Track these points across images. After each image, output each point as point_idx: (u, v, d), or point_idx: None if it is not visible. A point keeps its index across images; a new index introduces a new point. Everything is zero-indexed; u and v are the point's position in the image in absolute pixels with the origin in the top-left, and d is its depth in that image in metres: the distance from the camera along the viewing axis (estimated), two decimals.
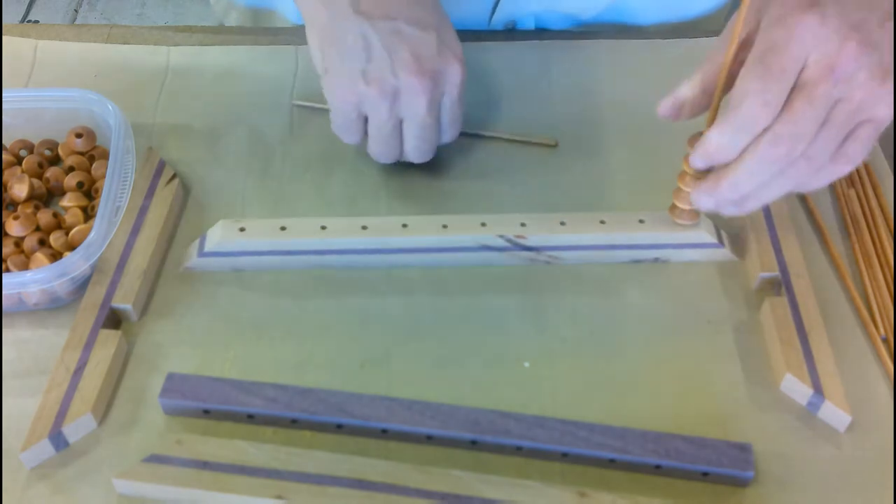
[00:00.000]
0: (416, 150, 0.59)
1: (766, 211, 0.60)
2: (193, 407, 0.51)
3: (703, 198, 0.51)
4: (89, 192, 0.61)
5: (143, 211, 0.59)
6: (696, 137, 0.52)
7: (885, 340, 0.56)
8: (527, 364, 0.54)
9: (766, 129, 0.46)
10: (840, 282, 0.59)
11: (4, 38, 0.72)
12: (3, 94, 0.62)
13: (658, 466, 0.49)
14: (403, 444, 0.51)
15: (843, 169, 0.48)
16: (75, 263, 0.54)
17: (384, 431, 0.50)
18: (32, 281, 0.52)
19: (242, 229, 0.58)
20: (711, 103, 0.51)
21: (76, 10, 2.13)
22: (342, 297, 0.57)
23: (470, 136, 0.66)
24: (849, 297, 0.58)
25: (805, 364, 0.52)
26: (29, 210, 0.59)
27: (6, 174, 0.61)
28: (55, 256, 0.56)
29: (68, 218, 0.59)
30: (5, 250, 0.57)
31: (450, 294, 0.58)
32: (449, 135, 0.60)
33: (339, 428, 0.51)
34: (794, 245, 0.59)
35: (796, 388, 0.52)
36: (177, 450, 0.48)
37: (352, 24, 0.55)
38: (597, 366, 0.54)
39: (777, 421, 0.52)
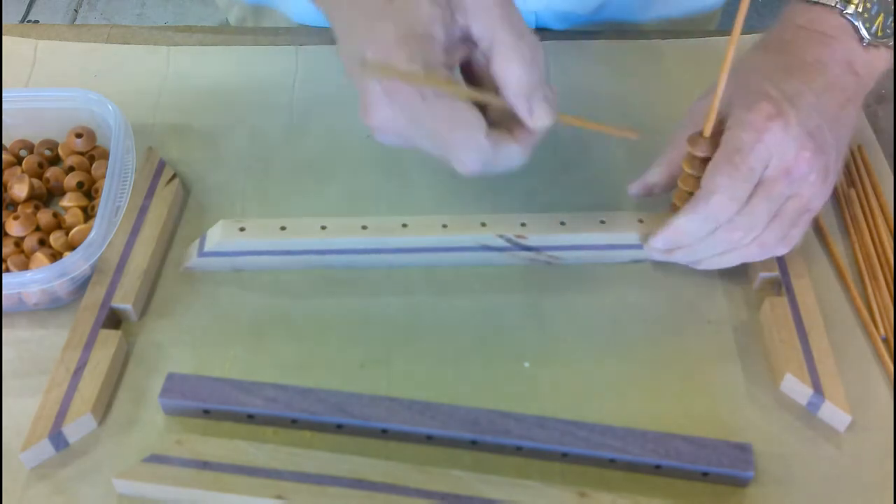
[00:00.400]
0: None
1: None
2: (193, 407, 0.51)
3: (657, 254, 0.56)
4: (89, 192, 0.61)
5: (143, 211, 0.59)
6: (695, 137, 0.53)
7: (885, 340, 0.56)
8: (527, 364, 0.54)
9: None
10: (840, 282, 0.59)
11: (4, 38, 0.72)
12: (3, 94, 0.62)
13: (658, 466, 0.49)
14: (403, 444, 0.51)
15: (785, 250, 0.54)
16: (75, 263, 0.53)
17: (384, 431, 0.50)
18: (32, 281, 0.52)
19: (242, 229, 0.58)
20: (676, 174, 0.55)
21: (76, 10, 2.13)
22: (342, 297, 0.57)
23: None
24: (849, 297, 0.58)
25: (805, 364, 0.52)
26: (29, 210, 0.59)
27: (6, 174, 0.61)
28: (55, 256, 0.56)
29: (68, 218, 0.59)
30: (5, 250, 0.57)
31: (450, 294, 0.58)
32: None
33: (339, 428, 0.51)
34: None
35: (796, 388, 0.52)
36: (177, 450, 0.48)
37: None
38: (597, 365, 0.54)
39: (777, 421, 0.52)
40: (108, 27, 0.75)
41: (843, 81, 0.53)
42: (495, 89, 0.47)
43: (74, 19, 2.10)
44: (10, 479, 0.49)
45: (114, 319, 0.55)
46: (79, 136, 0.63)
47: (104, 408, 0.52)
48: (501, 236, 0.58)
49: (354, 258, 0.58)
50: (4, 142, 0.63)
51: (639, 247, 0.58)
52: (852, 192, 0.63)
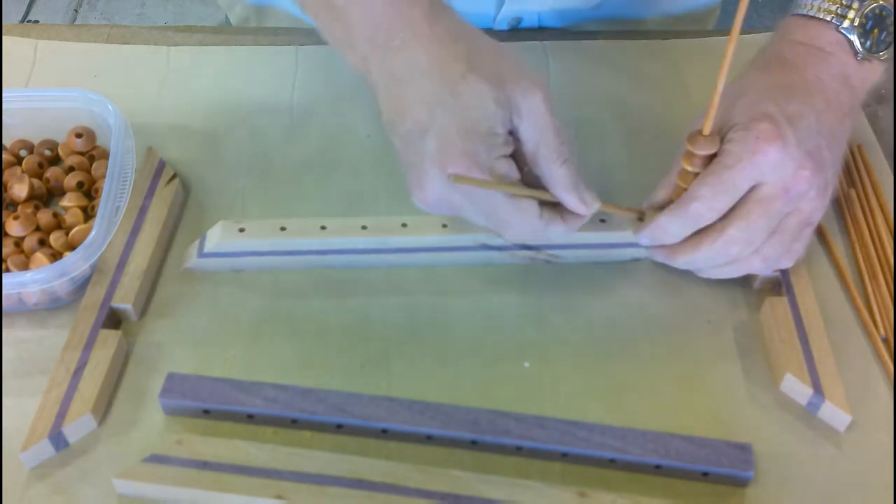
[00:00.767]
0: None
1: None
2: (193, 407, 0.51)
3: (659, 257, 0.57)
4: (89, 192, 0.61)
5: (143, 211, 0.59)
6: (694, 136, 0.53)
7: (885, 340, 0.56)
8: (527, 364, 0.54)
9: (722, 232, 0.53)
10: (840, 282, 0.59)
11: (4, 38, 0.72)
12: (3, 94, 0.62)
13: (658, 466, 0.49)
14: (403, 444, 0.51)
15: (789, 264, 0.56)
16: (75, 263, 0.53)
17: (384, 431, 0.50)
18: (32, 281, 0.52)
19: (242, 230, 0.58)
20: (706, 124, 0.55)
21: (76, 10, 2.13)
22: (342, 297, 0.57)
23: None
24: (849, 297, 0.58)
25: (805, 364, 0.52)
26: (29, 210, 0.59)
27: (6, 174, 0.61)
28: (55, 256, 0.56)
29: (68, 218, 0.59)
30: (5, 250, 0.57)
31: (450, 294, 0.58)
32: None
33: (339, 428, 0.51)
34: None
35: (796, 388, 0.52)
36: (177, 450, 0.48)
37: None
38: (597, 365, 0.54)
39: (777, 421, 0.52)
40: (108, 27, 0.75)
41: (841, 97, 0.55)
42: (538, 180, 0.52)
43: (74, 19, 2.11)
44: (10, 479, 0.49)
45: (114, 319, 0.55)
46: (79, 136, 0.63)
47: (104, 408, 0.52)
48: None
49: (354, 258, 0.58)
50: (4, 142, 0.63)
51: (639, 246, 0.58)
52: (852, 192, 0.63)
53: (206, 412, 0.51)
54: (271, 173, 0.64)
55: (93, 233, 0.54)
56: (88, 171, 0.62)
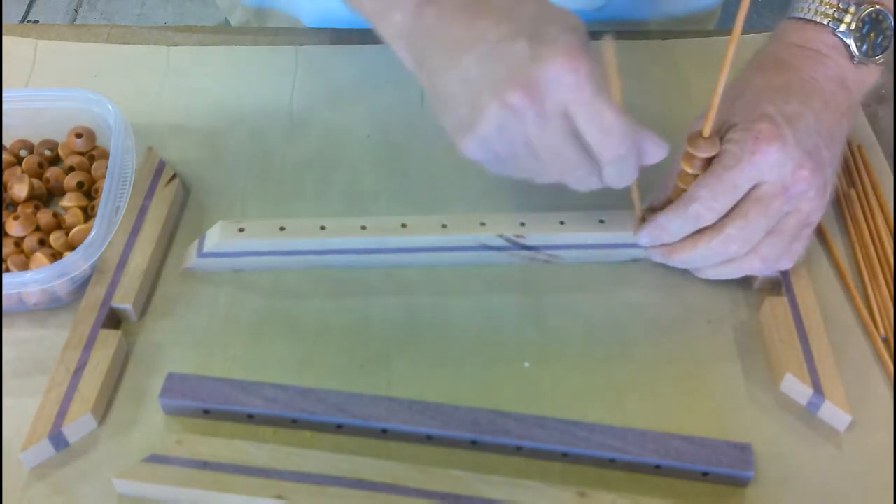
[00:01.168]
0: (571, 177, 0.52)
1: None
2: (193, 407, 0.51)
3: (657, 257, 0.57)
4: (89, 192, 0.61)
5: (143, 211, 0.59)
6: (694, 136, 0.53)
7: (885, 340, 0.56)
8: (527, 364, 0.54)
9: (721, 231, 0.53)
10: (840, 282, 0.59)
11: (4, 38, 0.72)
12: (3, 94, 0.62)
13: (658, 466, 0.49)
14: (403, 444, 0.51)
15: (788, 265, 0.56)
16: (75, 263, 0.53)
17: (384, 431, 0.50)
18: (32, 281, 0.52)
19: (242, 230, 0.58)
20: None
21: (76, 10, 2.13)
22: (342, 297, 0.57)
23: None
24: (849, 297, 0.58)
25: (805, 364, 0.52)
26: (29, 210, 0.59)
27: (6, 174, 0.61)
28: (55, 256, 0.56)
29: (68, 218, 0.59)
30: (5, 250, 0.57)
31: (450, 294, 0.58)
32: (604, 157, 0.49)
33: (339, 428, 0.51)
34: None
35: (796, 388, 0.52)
36: (177, 450, 0.48)
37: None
38: (596, 365, 0.54)
39: (777, 421, 0.52)
40: (108, 27, 0.75)
41: (837, 98, 0.55)
42: None
43: (74, 19, 2.11)
44: (10, 479, 0.49)
45: (114, 319, 0.55)
46: (79, 136, 0.63)
47: (104, 408, 0.52)
48: (501, 236, 0.58)
49: (354, 258, 0.58)
50: (4, 142, 0.63)
51: (639, 246, 0.58)
52: (852, 192, 0.63)
53: (206, 412, 0.51)
54: (271, 173, 0.64)
55: (93, 233, 0.54)
56: (88, 171, 0.62)
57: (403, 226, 0.58)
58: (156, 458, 0.48)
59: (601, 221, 0.59)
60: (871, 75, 0.57)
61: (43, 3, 2.15)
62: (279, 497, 0.46)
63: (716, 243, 0.53)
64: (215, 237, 0.57)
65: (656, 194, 0.57)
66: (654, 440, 0.49)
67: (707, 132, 0.52)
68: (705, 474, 0.49)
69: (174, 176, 0.62)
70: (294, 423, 0.51)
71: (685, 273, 0.58)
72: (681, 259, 0.55)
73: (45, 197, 0.62)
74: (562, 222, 0.59)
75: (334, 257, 0.58)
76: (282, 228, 0.58)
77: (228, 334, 0.55)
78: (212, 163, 0.65)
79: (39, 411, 0.50)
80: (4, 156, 0.62)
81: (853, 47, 0.56)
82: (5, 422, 0.51)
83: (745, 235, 0.53)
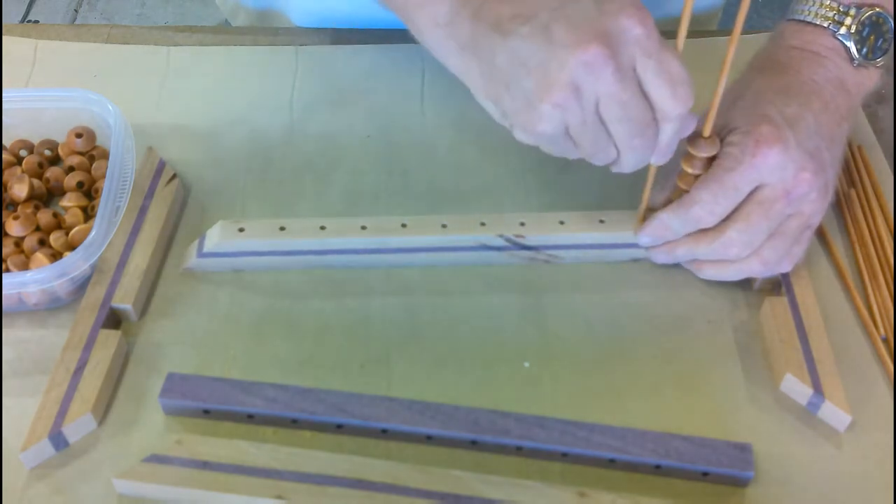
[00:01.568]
0: (629, 147, 0.49)
1: None
2: (193, 407, 0.51)
3: (656, 256, 0.57)
4: (89, 192, 0.61)
5: (143, 211, 0.59)
6: (695, 138, 0.53)
7: (885, 340, 0.56)
8: (527, 364, 0.54)
9: (722, 233, 0.53)
10: (840, 282, 0.59)
11: (4, 38, 0.72)
12: (3, 94, 0.62)
13: (658, 466, 0.49)
14: (403, 444, 0.51)
15: (788, 267, 0.56)
16: (75, 263, 0.53)
17: (384, 431, 0.50)
18: (32, 281, 0.52)
19: (242, 230, 0.58)
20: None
21: (76, 10, 2.13)
22: (342, 297, 0.57)
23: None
24: (849, 297, 0.58)
25: (805, 364, 0.52)
26: (29, 210, 0.59)
27: (6, 174, 0.61)
28: (55, 256, 0.56)
29: (68, 218, 0.59)
30: (5, 250, 0.57)
31: (450, 294, 0.58)
32: (672, 109, 0.48)
33: (339, 428, 0.51)
34: None
35: (796, 388, 0.52)
36: (177, 450, 0.48)
37: (488, 45, 0.48)
38: (597, 365, 0.54)
39: (777, 421, 0.52)
40: (108, 27, 0.75)
41: (837, 101, 0.55)
42: None
43: (74, 19, 2.11)
44: (10, 479, 0.49)
45: (114, 319, 0.55)
46: (79, 136, 0.63)
47: (104, 408, 0.52)
48: (501, 236, 0.58)
49: (354, 258, 0.58)
50: (4, 142, 0.63)
51: (638, 246, 0.58)
52: (852, 192, 0.63)
53: (206, 412, 0.51)
54: (271, 173, 0.64)
55: (93, 233, 0.54)
56: (88, 171, 0.62)
57: (403, 226, 0.58)
58: (156, 458, 0.48)
59: (601, 221, 0.59)
60: (871, 78, 0.57)
61: (43, 3, 2.15)
62: (279, 497, 0.46)
63: (717, 245, 0.54)
64: (215, 237, 0.57)
65: (656, 195, 0.57)
66: (653, 440, 0.49)
67: (707, 132, 0.52)
68: (705, 474, 0.49)
69: (174, 176, 0.62)
70: (294, 423, 0.51)
71: (685, 273, 0.58)
72: (682, 253, 0.56)
73: (45, 197, 0.62)
74: (562, 222, 0.59)
75: (334, 257, 0.58)
76: (282, 228, 0.58)
77: (228, 334, 0.55)
78: (212, 163, 0.65)
79: (39, 411, 0.50)
80: (4, 156, 0.62)
81: (853, 50, 0.56)
82: (5, 422, 0.51)
83: (747, 238, 0.53)
